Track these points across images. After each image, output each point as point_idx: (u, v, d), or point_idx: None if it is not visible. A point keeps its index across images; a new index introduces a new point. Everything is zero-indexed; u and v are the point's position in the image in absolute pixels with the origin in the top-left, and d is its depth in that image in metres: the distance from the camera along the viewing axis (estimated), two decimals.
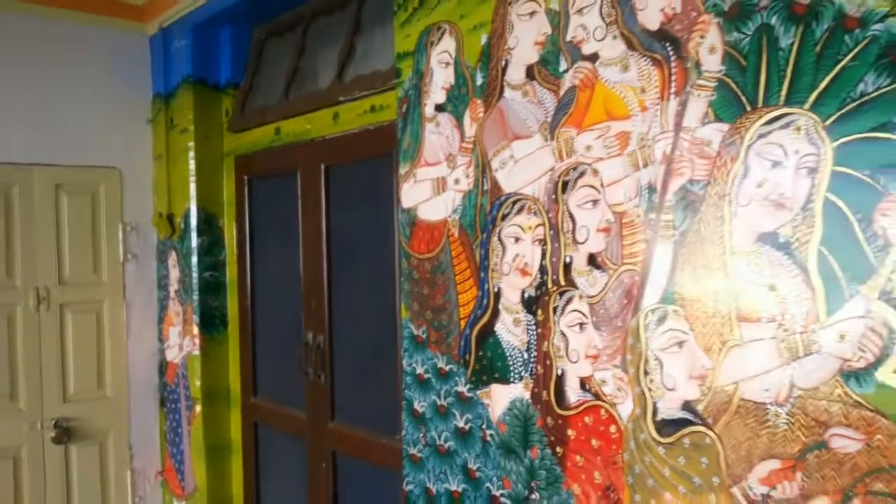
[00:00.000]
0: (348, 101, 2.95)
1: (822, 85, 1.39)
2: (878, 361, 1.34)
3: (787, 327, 1.46)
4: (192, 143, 3.76)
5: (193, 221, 3.77)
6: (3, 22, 3.55)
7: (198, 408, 3.80)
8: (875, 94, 1.33)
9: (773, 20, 1.46)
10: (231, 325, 3.82)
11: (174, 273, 3.94)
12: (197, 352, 3.78)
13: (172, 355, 3.99)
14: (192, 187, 3.77)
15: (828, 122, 1.39)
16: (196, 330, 3.78)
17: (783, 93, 1.45)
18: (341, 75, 3.05)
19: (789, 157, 1.44)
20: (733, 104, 1.53)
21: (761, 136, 1.48)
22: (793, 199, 1.44)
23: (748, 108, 1.51)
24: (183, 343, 3.90)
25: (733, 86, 1.53)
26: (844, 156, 1.37)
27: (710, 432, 1.60)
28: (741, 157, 1.52)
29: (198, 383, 3.79)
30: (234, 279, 3.80)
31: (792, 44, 1.44)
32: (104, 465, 3.97)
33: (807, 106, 1.42)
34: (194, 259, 3.77)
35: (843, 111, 1.37)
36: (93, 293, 3.92)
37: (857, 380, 1.37)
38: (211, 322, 3.81)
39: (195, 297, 3.77)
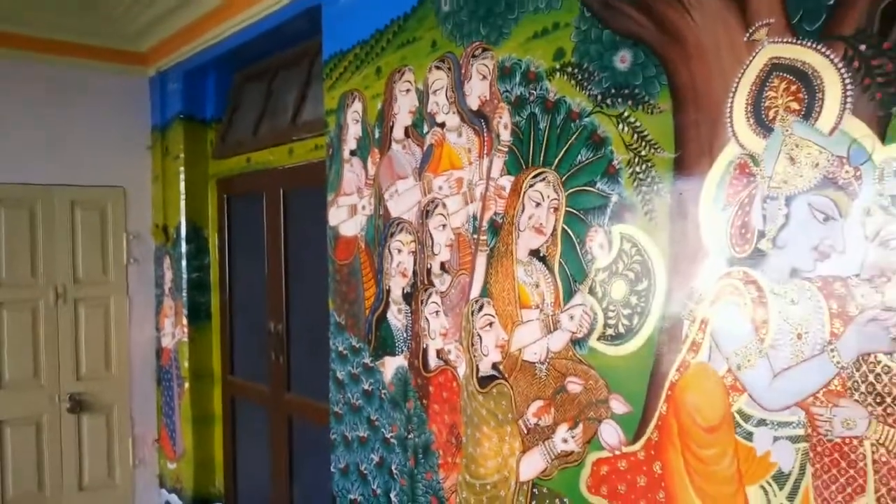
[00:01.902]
0: (299, 140, 3.66)
1: (561, 154, 2.10)
2: (589, 333, 2.04)
3: (545, 311, 2.16)
4: (182, 168, 4.47)
5: (183, 232, 4.48)
6: (29, 70, 4.27)
7: (186, 385, 4.51)
8: (586, 162, 2.03)
9: (536, 110, 2.17)
10: (214, 317, 4.53)
11: (168, 274, 4.65)
12: (186, 339, 4.49)
13: (167, 342, 4.71)
14: (183, 204, 4.48)
15: (564, 179, 2.09)
16: (185, 321, 4.49)
17: (541, 158, 2.15)
18: (295, 118, 3.77)
19: (545, 200, 2.15)
20: (517, 163, 2.24)
21: (531, 185, 2.19)
22: (547, 227, 2.15)
23: (524, 167, 2.21)
24: (175, 332, 4.61)
25: (516, 151, 2.24)
26: (572, 200, 2.07)
27: (507, 384, 2.30)
28: (521, 199, 2.22)
29: (186, 365, 4.50)
30: (216, 279, 4.51)
31: (545, 126, 2.14)
32: (110, 432, 4.68)
33: (553, 167, 2.12)
34: (184, 263, 4.48)
35: (570, 172, 2.07)
36: (102, 290, 4.64)
37: (579, 345, 2.07)
38: (197, 314, 4.52)
39: (184, 293, 4.49)
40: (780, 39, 1.61)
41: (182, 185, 4.48)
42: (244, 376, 4.32)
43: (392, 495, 2.80)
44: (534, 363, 2.21)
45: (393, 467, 2.80)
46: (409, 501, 2.72)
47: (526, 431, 2.24)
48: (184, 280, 4.49)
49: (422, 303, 2.64)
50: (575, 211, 2.07)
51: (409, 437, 2.71)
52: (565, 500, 2.13)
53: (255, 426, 4.22)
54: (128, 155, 4.69)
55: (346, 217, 3.03)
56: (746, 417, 1.69)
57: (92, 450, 4.60)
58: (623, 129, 1.93)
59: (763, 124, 1.64)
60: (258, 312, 4.08)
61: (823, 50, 1.54)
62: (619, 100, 1.94)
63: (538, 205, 2.17)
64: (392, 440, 2.80)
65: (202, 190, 4.53)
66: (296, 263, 3.79)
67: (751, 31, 1.66)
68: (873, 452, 1.49)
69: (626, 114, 1.93)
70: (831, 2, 1.53)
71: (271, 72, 4.11)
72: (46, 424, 4.45)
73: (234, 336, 4.43)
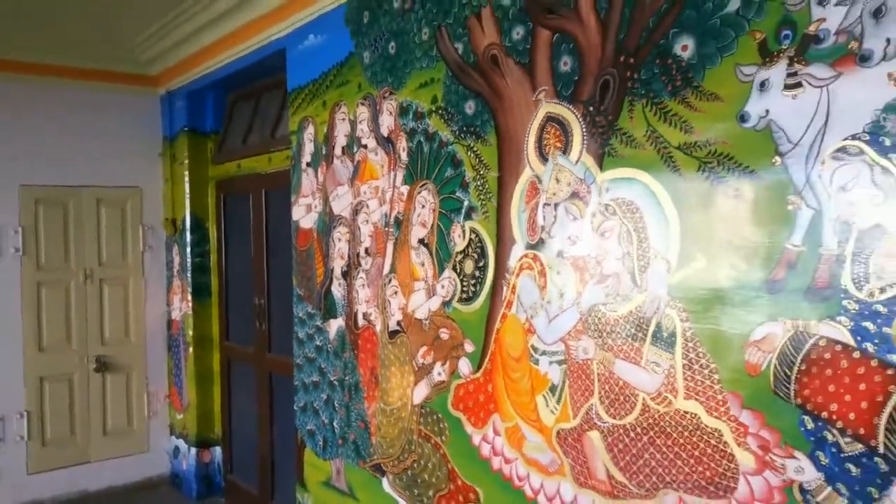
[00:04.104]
0: (276, 151, 4.45)
1: (436, 171, 2.87)
2: (453, 297, 2.82)
3: (427, 282, 2.95)
4: (187, 171, 5.27)
5: (188, 224, 5.29)
6: (63, 92, 5.08)
7: (191, 350, 5.32)
8: (450, 177, 2.80)
9: (422, 139, 2.94)
10: (213, 294, 5.34)
11: (176, 259, 5.46)
12: (191, 312, 5.31)
13: (175, 315, 5.52)
14: (188, 201, 5.28)
15: (439, 188, 2.87)
16: (190, 297, 5.30)
17: (425, 173, 2.93)
18: (273, 133, 4.56)
19: (427, 203, 2.92)
20: (411, 177, 3.01)
21: (419, 192, 2.97)
22: (428, 223, 2.92)
23: (415, 179, 2.99)
24: (182, 306, 5.42)
25: (410, 168, 3.01)
26: (442, 204, 2.85)
27: (406, 335, 3.09)
28: (413, 202, 3.00)
29: (191, 333, 5.31)
30: (215, 263, 5.32)
31: (427, 151, 2.91)
32: (129, 388, 5.49)
33: (433, 179, 2.89)
34: (188, 249, 5.29)
35: (442, 183, 2.84)
36: (122, 272, 5.45)
37: (447, 306, 2.85)
38: (200, 292, 5.32)
39: (189, 275, 5.30)
40: (551, 100, 2.38)
41: (187, 185, 5.28)
42: (236, 341, 5.14)
43: (335, 423, 3.61)
44: (421, 320, 3.00)
45: (335, 402, 3.60)
46: (346, 426, 3.52)
47: (417, 369, 3.03)
48: (189, 264, 5.29)
49: (353, 278, 3.43)
50: (444, 211, 2.84)
51: (346, 378, 3.51)
52: (440, 415, 2.91)
53: (244, 381, 5.04)
54: (143, 160, 5.49)
55: (304, 213, 3.82)
56: (535, 350, 2.47)
57: (114, 402, 5.41)
58: (471, 155, 2.71)
59: (543, 155, 2.41)
60: (247, 289, 4.89)
61: (572, 109, 2.30)
62: (469, 135, 2.72)
63: (423, 206, 2.95)
64: (335, 382, 3.60)
65: (203, 190, 5.33)
66: (274, 250, 4.58)
67: (536, 93, 2.43)
68: (597, 368, 2.26)
69: (472, 144, 2.70)
70: (577, 78, 2.29)
71: (257, 94, 4.90)
72: (77, 381, 5.26)
73: (229, 309, 5.24)
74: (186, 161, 5.28)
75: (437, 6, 2.83)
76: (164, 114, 5.51)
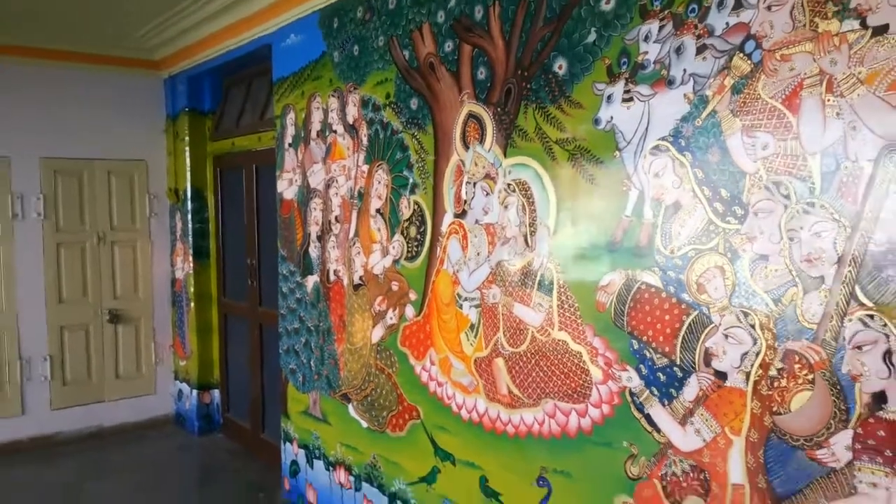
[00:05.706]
0: (264, 131, 5.07)
1: (389, 154, 3.50)
2: (401, 256, 3.47)
3: (382, 244, 3.59)
4: (188, 147, 5.88)
5: (189, 194, 5.91)
6: (79, 76, 5.67)
7: (192, 305, 5.98)
8: (400, 159, 3.43)
9: (378, 127, 3.56)
10: (212, 255, 5.99)
11: (179, 224, 6.10)
12: (192, 272, 5.96)
13: (178, 274, 6.17)
14: (188, 173, 5.90)
15: (391, 168, 3.50)
16: (191, 259, 5.95)
17: (381, 155, 3.56)
18: (262, 115, 5.17)
19: (382, 180, 3.56)
20: (370, 158, 3.64)
21: (376, 171, 3.60)
22: (383, 196, 3.56)
23: (374, 159, 3.62)
24: (184, 266, 6.07)
25: (369, 151, 3.64)
26: (394, 181, 3.48)
27: (366, 287, 3.74)
28: (372, 179, 3.63)
29: (192, 290, 5.96)
30: (213, 228, 5.96)
31: (383, 137, 3.54)
32: (138, 338, 6.16)
33: (386, 160, 3.52)
34: (190, 216, 5.92)
35: (393, 164, 3.47)
36: (131, 236, 6.08)
37: (397, 263, 3.50)
38: (200, 254, 5.96)
39: (190, 239, 5.94)
40: (471, 101, 3.00)
41: (188, 159, 5.89)
42: (232, 297, 5.80)
43: (311, 362, 4.28)
44: (378, 274, 3.65)
45: (312, 345, 4.27)
46: (320, 364, 4.20)
47: (374, 314, 3.69)
48: (190, 229, 5.93)
49: (326, 241, 4.08)
50: (395, 187, 3.48)
51: (320, 325, 4.18)
52: (391, 351, 3.58)
53: (239, 332, 5.71)
54: (148, 136, 6.09)
55: (287, 186, 4.45)
56: (460, 297, 3.12)
57: (125, 350, 6.08)
58: (414, 141, 3.33)
59: (465, 144, 3.04)
60: (241, 251, 5.54)
61: (486, 109, 2.93)
62: (413, 125, 3.34)
63: (379, 183, 3.59)
64: (311, 328, 4.27)
65: (202, 163, 5.94)
66: (263, 217, 5.22)
67: (461, 95, 3.05)
68: (502, 310, 2.92)
69: (415, 133, 3.33)
70: (489, 85, 2.91)
71: (248, 80, 5.49)
72: (92, 330, 5.92)
73: (226, 268, 5.89)
74: (187, 138, 5.88)
75: (389, 20, 3.43)
76: (167, 95, 6.10)
